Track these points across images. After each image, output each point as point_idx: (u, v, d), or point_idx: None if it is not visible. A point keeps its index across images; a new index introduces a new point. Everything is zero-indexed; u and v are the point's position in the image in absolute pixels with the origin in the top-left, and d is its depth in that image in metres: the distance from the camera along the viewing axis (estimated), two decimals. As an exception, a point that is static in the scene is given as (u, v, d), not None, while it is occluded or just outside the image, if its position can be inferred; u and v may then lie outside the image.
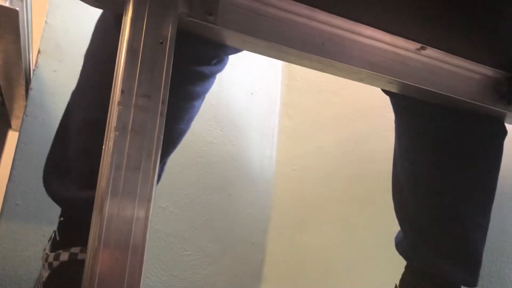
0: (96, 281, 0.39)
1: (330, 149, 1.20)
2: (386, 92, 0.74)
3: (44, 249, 0.72)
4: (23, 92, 1.03)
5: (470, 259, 0.75)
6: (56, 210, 0.92)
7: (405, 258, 0.80)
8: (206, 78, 0.61)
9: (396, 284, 0.81)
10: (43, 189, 0.93)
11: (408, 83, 0.61)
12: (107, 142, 0.42)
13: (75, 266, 0.58)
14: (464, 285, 0.77)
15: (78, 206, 0.60)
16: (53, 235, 0.70)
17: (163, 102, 0.43)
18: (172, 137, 0.64)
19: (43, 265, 0.68)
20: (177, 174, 1.07)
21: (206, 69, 0.59)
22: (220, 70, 0.63)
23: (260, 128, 1.24)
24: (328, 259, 1.12)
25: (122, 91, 0.41)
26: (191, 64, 0.58)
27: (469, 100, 0.63)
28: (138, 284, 0.41)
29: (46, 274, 0.64)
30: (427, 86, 0.62)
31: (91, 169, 0.52)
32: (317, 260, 1.13)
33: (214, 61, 0.60)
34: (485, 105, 0.65)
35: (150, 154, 0.42)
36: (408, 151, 0.78)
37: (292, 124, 1.27)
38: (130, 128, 0.41)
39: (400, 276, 0.81)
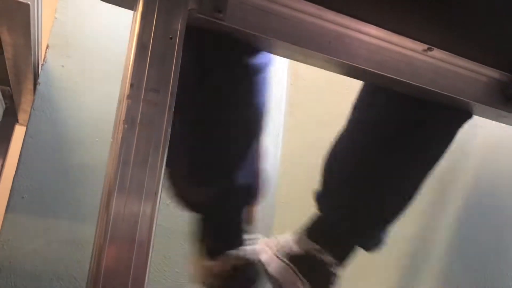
0: (101, 277, 0.40)
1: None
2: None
3: None
4: (31, 87, 1.04)
5: (374, 225, 0.76)
6: (61, 204, 0.93)
7: (317, 207, 0.82)
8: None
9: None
10: (49, 184, 0.94)
11: (413, 83, 0.62)
12: (115, 135, 0.42)
13: None
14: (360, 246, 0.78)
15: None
16: None
17: (171, 96, 0.43)
18: (256, 113, 0.69)
19: None
20: (182, 171, 1.07)
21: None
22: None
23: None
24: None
25: (131, 85, 0.41)
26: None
27: (475, 102, 0.64)
28: (144, 280, 0.42)
29: None
30: (432, 87, 0.62)
31: None
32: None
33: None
34: (491, 107, 0.65)
35: (158, 147, 0.42)
36: (356, 121, 0.79)
37: (297, 123, 1.27)
38: (138, 121, 0.42)
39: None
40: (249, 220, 0.76)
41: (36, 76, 1.02)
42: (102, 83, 0.97)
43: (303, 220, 1.17)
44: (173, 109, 0.43)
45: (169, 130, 0.43)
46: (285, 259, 0.75)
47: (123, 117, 0.42)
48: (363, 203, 0.76)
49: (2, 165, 1.31)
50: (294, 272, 0.73)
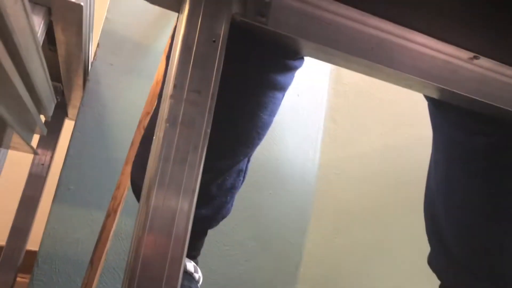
0: (138, 268, 0.42)
1: (374, 155, 1.19)
2: (427, 98, 0.73)
3: None
4: (81, 83, 1.09)
5: (504, 280, 0.72)
6: (105, 197, 0.97)
7: (436, 275, 0.78)
8: (288, 71, 0.64)
9: None
10: (94, 177, 0.98)
11: (458, 92, 0.60)
12: (157, 133, 0.44)
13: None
14: None
15: None
16: None
17: (212, 98, 0.44)
18: (257, 125, 0.67)
19: None
20: (221, 170, 1.09)
21: (289, 63, 0.62)
22: (299, 67, 0.65)
23: (305, 130, 1.24)
24: (363, 265, 1.11)
25: (175, 86, 0.43)
26: (278, 56, 0.61)
27: (521, 112, 0.61)
28: (178, 273, 0.43)
29: None
30: (478, 97, 0.61)
31: None
32: (353, 265, 1.12)
33: (296, 57, 0.62)
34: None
35: (197, 147, 0.44)
36: (444, 164, 0.75)
37: (337, 128, 1.26)
38: (180, 121, 0.43)
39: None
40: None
41: (86, 73, 1.06)
42: (148, 81, 1.00)
43: (338, 225, 1.17)
44: (213, 111, 0.45)
45: (208, 131, 0.45)
46: None
47: (165, 116, 0.43)
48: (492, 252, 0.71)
49: (51, 158, 1.37)
50: None
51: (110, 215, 0.81)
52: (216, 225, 0.77)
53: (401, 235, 1.08)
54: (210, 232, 1.07)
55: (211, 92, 0.45)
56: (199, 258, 1.05)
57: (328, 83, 1.29)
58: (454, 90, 0.60)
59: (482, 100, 0.61)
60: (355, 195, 1.18)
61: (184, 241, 0.44)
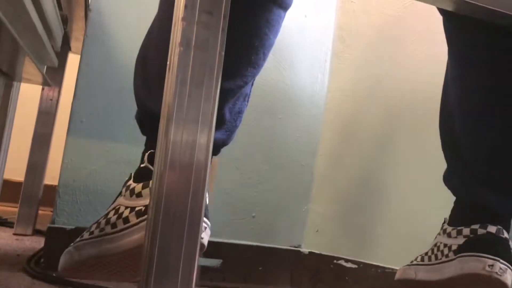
0: (163, 200, 0.43)
1: (385, 76, 1.18)
2: (442, 12, 0.71)
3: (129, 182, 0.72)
4: (83, 14, 1.06)
5: None
6: (118, 127, 0.98)
7: (453, 192, 0.79)
8: None
9: (445, 218, 0.81)
10: (105, 108, 0.98)
11: (474, 2, 0.58)
12: (172, 58, 0.43)
13: None
14: None
15: None
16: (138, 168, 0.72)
17: (224, 19, 0.43)
18: (264, 45, 0.67)
19: (125, 195, 0.68)
20: (230, 97, 1.09)
21: None
22: None
23: (313, 52, 1.22)
24: (375, 183, 1.14)
25: (186, 6, 0.42)
26: None
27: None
28: (201, 203, 0.44)
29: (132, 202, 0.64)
30: (495, 7, 0.59)
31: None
32: (364, 184, 1.15)
33: None
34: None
35: (213, 70, 0.43)
36: (462, 80, 0.75)
37: (346, 49, 1.24)
38: (193, 44, 0.43)
39: (449, 209, 0.81)
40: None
41: (87, 2, 1.03)
42: (152, 6, 0.97)
43: (348, 146, 1.18)
44: (226, 32, 0.44)
45: (223, 53, 0.44)
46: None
47: (178, 39, 0.42)
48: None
49: (59, 92, 1.37)
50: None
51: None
52: (225, 146, 0.77)
53: (413, 152, 1.09)
54: (224, 158, 1.09)
55: (223, 13, 0.44)
56: (215, 183, 1.08)
57: (335, 1, 1.25)
58: (469, 0, 0.58)
59: (501, 10, 0.59)
60: (365, 116, 1.18)
61: (205, 170, 0.44)
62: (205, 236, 0.67)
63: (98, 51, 0.98)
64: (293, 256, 1.15)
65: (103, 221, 0.64)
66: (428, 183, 1.01)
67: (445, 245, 0.75)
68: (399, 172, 1.11)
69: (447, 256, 0.73)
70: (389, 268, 1.03)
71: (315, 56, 1.22)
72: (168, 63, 0.44)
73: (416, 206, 1.05)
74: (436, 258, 0.76)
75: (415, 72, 1.12)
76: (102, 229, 0.63)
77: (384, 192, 1.12)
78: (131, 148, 0.98)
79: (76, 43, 1.32)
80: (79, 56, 0.99)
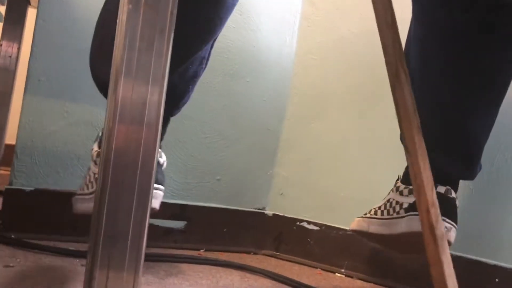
0: (112, 156, 0.42)
1: (353, 39, 1.17)
2: None
3: (92, 148, 0.76)
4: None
5: (469, 153, 0.76)
6: (77, 87, 0.95)
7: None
8: None
9: (399, 175, 0.83)
10: (64, 67, 0.95)
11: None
12: (120, 17, 0.41)
13: None
14: (461, 179, 0.79)
15: None
16: (100, 133, 0.74)
17: (176, -24, 0.41)
18: (220, 9, 0.65)
19: (95, 161, 0.72)
20: (196, 58, 1.06)
21: None
22: None
23: (281, 14, 1.20)
24: (340, 148, 1.15)
25: (134, -38, 0.40)
26: None
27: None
28: (153, 160, 0.43)
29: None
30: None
31: None
32: (329, 149, 1.16)
33: None
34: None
35: (164, 30, 0.42)
36: (423, 41, 0.75)
37: (315, 11, 1.22)
38: (143, 1, 0.41)
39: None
40: None
41: (43, -46, 0.97)
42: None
43: (315, 111, 1.18)
44: (179, -10, 0.42)
45: (175, 12, 0.42)
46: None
47: (127, -3, 0.40)
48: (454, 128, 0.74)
49: (19, 49, 1.31)
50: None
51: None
52: (177, 113, 0.78)
53: (377, 119, 1.10)
54: (190, 122, 1.08)
55: (175, -30, 0.42)
56: (181, 146, 1.07)
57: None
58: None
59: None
60: (333, 81, 1.18)
61: (157, 129, 0.43)
62: (154, 199, 0.67)
63: (56, 6, 0.94)
64: (257, 219, 1.17)
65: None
66: (392, 148, 1.02)
67: (397, 202, 0.78)
68: (364, 137, 1.12)
69: (398, 213, 0.77)
70: (350, 230, 1.06)
71: (283, 18, 1.20)
72: (117, 21, 0.42)
73: (379, 171, 1.07)
74: (388, 213, 0.79)
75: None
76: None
77: (348, 157, 1.14)
78: (91, 109, 0.96)
79: (35, -3, 1.26)
80: (36, 11, 0.95)
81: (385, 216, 0.81)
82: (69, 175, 0.95)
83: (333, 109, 1.17)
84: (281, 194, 1.19)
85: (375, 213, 0.84)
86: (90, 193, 0.71)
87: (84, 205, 0.73)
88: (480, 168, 0.79)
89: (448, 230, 0.71)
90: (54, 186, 0.93)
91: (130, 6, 0.41)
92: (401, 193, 0.79)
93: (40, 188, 0.92)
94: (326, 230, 1.11)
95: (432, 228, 0.60)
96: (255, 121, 1.17)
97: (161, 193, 0.69)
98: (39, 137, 0.93)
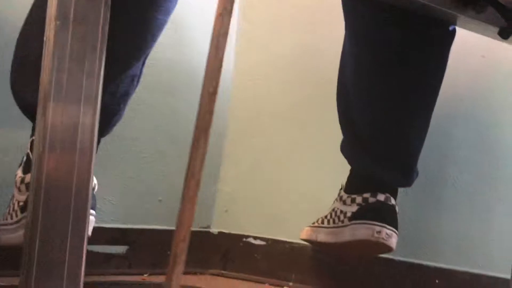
0: (43, 188, 0.39)
1: (291, 57, 1.19)
2: None
3: (16, 174, 0.71)
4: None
5: (405, 161, 0.81)
6: (2, 111, 0.89)
7: (347, 160, 0.84)
8: None
9: (342, 184, 0.86)
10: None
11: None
12: (47, 34, 0.39)
13: None
14: (399, 186, 0.83)
15: None
16: (25, 157, 0.70)
17: (107, -10, 0.40)
18: (151, 27, 0.64)
19: (19, 188, 0.68)
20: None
21: None
22: None
23: (218, 30, 1.20)
24: (282, 162, 1.16)
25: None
26: None
27: (422, 1, 0.63)
28: (88, 183, 0.41)
29: (24, 196, 0.65)
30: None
31: None
32: (272, 163, 1.17)
33: None
34: (437, 7, 0.64)
35: (95, 47, 0.40)
36: (357, 55, 0.79)
37: (250, 28, 1.23)
38: (72, 18, 0.39)
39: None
40: None
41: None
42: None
43: (256, 125, 1.19)
44: (110, 4, 0.40)
45: (106, 28, 0.41)
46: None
47: (54, 12, 0.39)
48: (390, 137, 0.78)
49: None
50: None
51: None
52: (108, 133, 0.76)
53: (319, 131, 1.12)
54: (127, 142, 1.04)
55: (105, -15, 0.40)
56: (118, 168, 1.03)
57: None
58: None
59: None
60: (272, 95, 1.19)
61: (91, 152, 0.42)
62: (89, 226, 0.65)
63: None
64: (203, 237, 1.14)
65: None
66: (333, 160, 1.04)
67: (341, 211, 0.81)
68: (306, 149, 1.14)
69: (342, 222, 0.80)
70: (296, 243, 1.06)
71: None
72: (44, 39, 0.40)
73: (321, 183, 1.09)
74: (334, 222, 0.82)
75: (320, 54, 1.14)
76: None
77: (290, 170, 1.15)
78: (20, 133, 0.90)
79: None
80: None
81: (331, 225, 0.83)
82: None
83: (274, 123, 1.18)
84: (226, 211, 1.18)
85: (322, 222, 0.87)
86: (16, 222, 0.67)
87: (9, 236, 0.68)
88: (417, 175, 0.83)
89: (390, 236, 0.74)
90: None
91: (58, 22, 0.39)
92: (344, 203, 0.81)
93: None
94: (273, 244, 1.11)
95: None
96: (195, 138, 1.15)
97: (93, 218, 0.66)
98: None
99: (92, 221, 0.66)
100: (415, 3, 0.64)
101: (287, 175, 1.15)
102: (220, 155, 1.19)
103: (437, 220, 1.02)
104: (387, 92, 0.77)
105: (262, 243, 1.12)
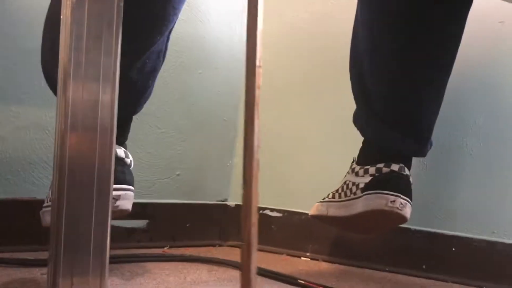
0: (66, 161, 0.40)
1: (303, 26, 1.18)
2: None
3: None
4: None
5: (420, 130, 0.79)
6: (24, 90, 0.91)
7: (360, 131, 0.83)
8: None
9: (354, 157, 0.85)
10: (8, 69, 0.90)
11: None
12: (64, 12, 0.40)
13: None
14: (413, 156, 0.82)
15: None
16: None
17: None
18: None
19: None
20: (145, 53, 1.04)
21: None
22: None
23: (229, 3, 1.19)
24: (296, 134, 1.16)
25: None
26: None
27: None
28: (110, 161, 0.42)
29: None
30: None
31: None
32: (287, 135, 1.17)
33: None
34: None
35: (111, 23, 0.40)
36: (370, 24, 0.77)
37: (263, -1, 1.21)
38: (87, -5, 0.39)
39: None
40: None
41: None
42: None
43: (270, 98, 1.18)
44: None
45: (122, 4, 0.41)
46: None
47: (69, -10, 0.39)
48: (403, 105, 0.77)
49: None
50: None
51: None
52: (140, 109, 0.76)
53: (334, 103, 1.11)
54: (144, 118, 1.05)
55: (119, -40, 0.40)
56: (137, 143, 1.05)
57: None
58: None
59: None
60: (284, 67, 1.18)
61: (112, 129, 0.42)
62: (126, 200, 0.65)
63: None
64: (220, 210, 1.16)
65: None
66: (347, 132, 1.04)
67: (353, 183, 0.80)
68: (320, 122, 1.14)
69: (355, 194, 0.79)
70: (310, 216, 1.07)
71: (232, 7, 1.19)
72: (61, 17, 0.41)
73: (336, 155, 1.09)
74: (346, 195, 0.81)
75: (333, 21, 1.13)
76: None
77: (305, 143, 1.15)
78: (40, 112, 0.92)
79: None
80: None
81: (343, 198, 0.82)
82: (21, 181, 0.90)
83: (288, 96, 1.18)
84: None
85: (333, 197, 0.85)
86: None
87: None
88: (431, 145, 0.82)
89: (404, 206, 0.74)
90: (4, 195, 0.89)
91: (74, 0, 0.39)
92: (356, 174, 0.81)
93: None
94: (289, 216, 1.12)
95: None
96: (210, 112, 1.16)
97: (132, 193, 0.67)
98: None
99: (131, 197, 0.67)
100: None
101: (301, 147, 1.15)
102: (235, 128, 1.20)
103: (454, 189, 1.02)
104: (401, 60, 0.75)
105: (279, 214, 1.13)
